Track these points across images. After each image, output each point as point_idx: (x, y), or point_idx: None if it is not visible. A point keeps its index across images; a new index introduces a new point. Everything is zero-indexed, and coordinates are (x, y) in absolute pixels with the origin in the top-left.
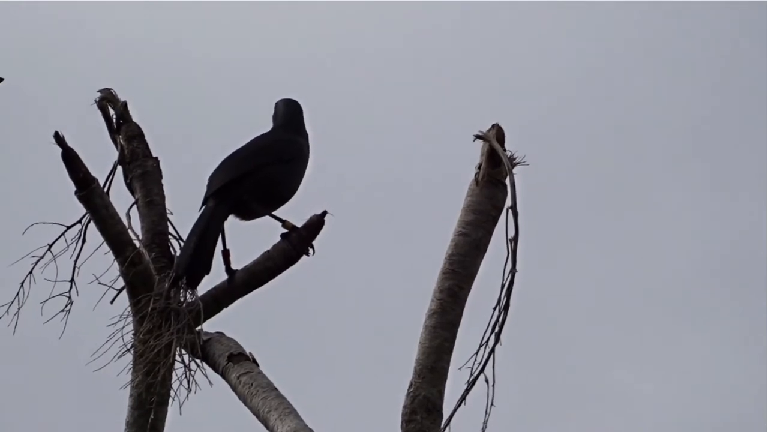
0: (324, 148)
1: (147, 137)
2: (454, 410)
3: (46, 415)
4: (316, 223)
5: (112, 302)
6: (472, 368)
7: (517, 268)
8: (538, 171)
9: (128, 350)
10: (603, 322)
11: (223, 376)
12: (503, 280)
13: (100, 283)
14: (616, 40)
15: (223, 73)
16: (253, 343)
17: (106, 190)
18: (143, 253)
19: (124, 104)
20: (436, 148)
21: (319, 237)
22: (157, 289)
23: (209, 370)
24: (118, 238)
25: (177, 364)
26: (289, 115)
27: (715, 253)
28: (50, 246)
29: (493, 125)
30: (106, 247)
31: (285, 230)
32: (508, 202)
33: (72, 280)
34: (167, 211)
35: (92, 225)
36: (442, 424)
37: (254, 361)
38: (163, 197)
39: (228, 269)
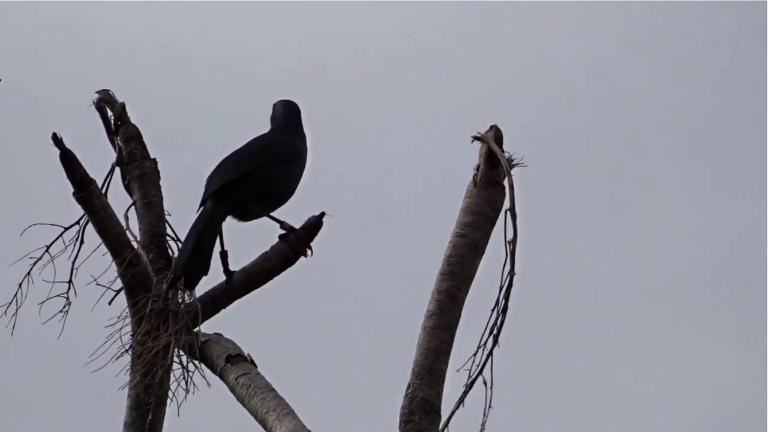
0: (323, 149)
1: (145, 138)
2: (453, 412)
3: (44, 415)
4: (314, 225)
5: (110, 303)
6: (470, 370)
7: (516, 269)
8: (537, 171)
9: (126, 351)
10: (603, 322)
11: (222, 377)
12: (502, 282)
13: (98, 284)
14: (616, 40)
15: (222, 74)
16: (251, 344)
17: (104, 191)
18: (141, 254)
19: (122, 105)
20: (435, 149)
21: (317, 238)
22: (155, 290)
23: (207, 371)
24: (116, 240)
25: (175, 365)
26: (287, 116)
27: (715, 253)
28: (48, 247)
29: (491, 126)
30: (104, 249)
31: (283, 231)
32: (507, 204)
33: (70, 281)
34: (165, 213)
35: (90, 226)
36: (441, 426)
37: (252, 362)
38: (161, 198)
39: (226, 270)
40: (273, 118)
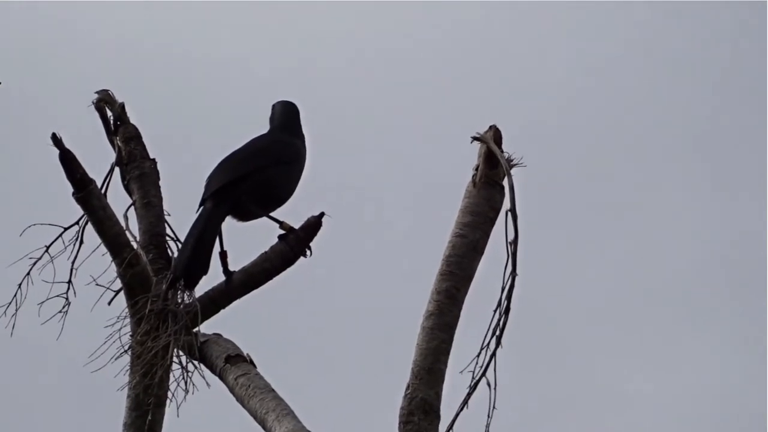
0: (323, 149)
1: (144, 138)
2: (457, 414)
3: (44, 416)
4: (313, 225)
5: (109, 303)
6: (473, 371)
7: (517, 270)
8: (536, 171)
9: (126, 352)
10: (603, 322)
11: (221, 377)
12: (503, 282)
13: (97, 284)
14: (616, 40)
15: (222, 74)
16: (250, 344)
17: (103, 191)
18: (141, 254)
19: (122, 105)
20: (434, 149)
21: (316, 238)
22: (155, 290)
23: (207, 372)
24: (116, 240)
25: (174, 366)
26: (286, 116)
27: (715, 253)
28: (48, 247)
29: (491, 126)
30: (103, 249)
31: (282, 231)
32: (507, 205)
33: (69, 282)
34: (165, 213)
35: (90, 226)
36: (445, 429)
37: (252, 362)
38: (160, 198)
39: (225, 270)
40: (272, 119)
